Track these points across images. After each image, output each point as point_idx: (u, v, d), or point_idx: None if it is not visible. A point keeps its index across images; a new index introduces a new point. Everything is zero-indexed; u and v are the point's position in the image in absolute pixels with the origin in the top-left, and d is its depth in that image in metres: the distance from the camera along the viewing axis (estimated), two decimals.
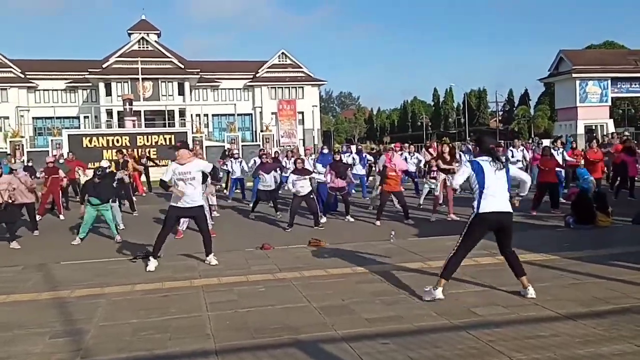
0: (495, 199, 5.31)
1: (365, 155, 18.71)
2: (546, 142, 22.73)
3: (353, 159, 16.73)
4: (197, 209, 7.47)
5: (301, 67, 59.73)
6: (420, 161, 17.41)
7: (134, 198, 15.53)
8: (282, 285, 6.13)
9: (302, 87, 59.09)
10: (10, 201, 10.34)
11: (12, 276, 7.02)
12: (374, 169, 17.70)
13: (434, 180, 12.44)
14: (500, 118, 77.04)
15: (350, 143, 37.71)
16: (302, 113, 58.09)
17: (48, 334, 4.69)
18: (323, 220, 11.76)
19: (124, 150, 19.55)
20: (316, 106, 59.80)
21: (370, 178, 19.03)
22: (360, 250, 7.93)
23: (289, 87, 58.58)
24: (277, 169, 13.36)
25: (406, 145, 19.44)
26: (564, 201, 12.22)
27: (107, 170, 11.46)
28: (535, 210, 12.01)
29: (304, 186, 11.25)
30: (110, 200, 10.77)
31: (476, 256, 6.72)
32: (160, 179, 7.60)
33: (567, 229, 9.62)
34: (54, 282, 6.63)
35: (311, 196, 11.39)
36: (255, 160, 15.35)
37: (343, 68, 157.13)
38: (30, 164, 17.87)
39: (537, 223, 10.89)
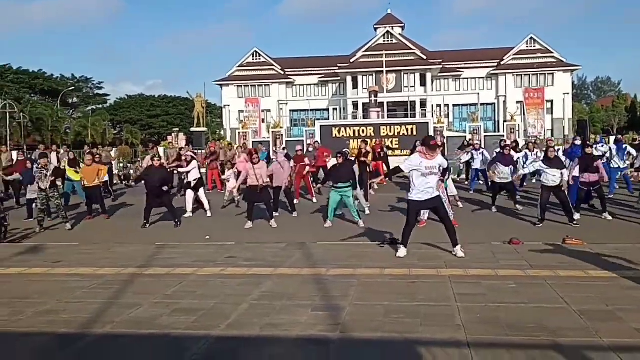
0: None
1: (626, 147, 16.60)
2: None
3: (610, 149, 15.07)
4: (435, 199, 7.50)
5: (552, 52, 55.55)
6: None
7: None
8: (535, 283, 5.77)
9: (552, 74, 54.95)
10: (264, 184, 11.56)
11: (277, 252, 7.87)
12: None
13: None
14: None
15: (607, 134, 34.11)
16: (552, 101, 54.07)
17: (310, 306, 5.14)
18: (576, 216, 10.80)
19: (368, 141, 20.37)
20: (568, 94, 55.07)
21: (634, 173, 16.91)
22: (625, 252, 7.07)
23: (537, 74, 55.00)
24: (515, 164, 12.88)
25: None
26: None
27: (348, 155, 12.11)
28: None
29: (555, 175, 10.51)
30: (352, 185, 11.32)
31: None
32: (398, 167, 7.62)
33: None
34: (313, 259, 7.24)
35: (562, 188, 10.56)
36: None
37: (601, 51, 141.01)
38: (286, 151, 19.79)
39: None
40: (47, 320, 4.88)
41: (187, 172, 13.45)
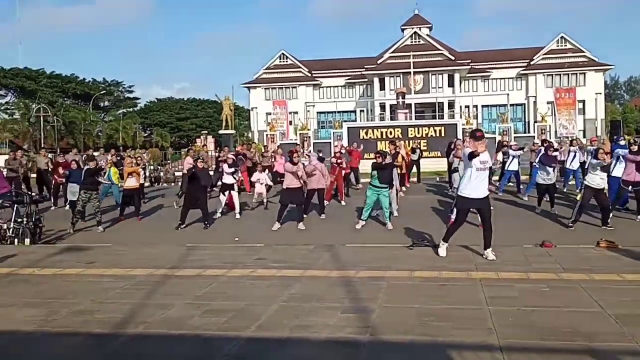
0: None
1: None
2: None
3: None
4: (484, 200, 7.39)
5: (583, 52, 54.55)
6: None
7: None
8: (569, 287, 5.67)
9: (584, 74, 53.96)
10: (298, 186, 11.62)
11: (306, 254, 7.89)
12: None
13: None
14: None
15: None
16: (583, 102, 53.10)
17: (339, 308, 5.13)
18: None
19: (397, 142, 20.31)
20: (600, 94, 53.99)
21: None
22: None
23: (568, 74, 54.07)
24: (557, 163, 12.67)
25: None
26: None
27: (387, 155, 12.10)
28: None
29: (603, 178, 10.37)
30: (389, 186, 11.32)
31: None
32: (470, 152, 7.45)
33: None
34: (341, 261, 7.24)
35: (604, 191, 10.40)
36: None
37: (634, 50, 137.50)
38: (321, 154, 19.79)
39: None
40: (82, 320, 4.97)
41: (232, 174, 13.54)
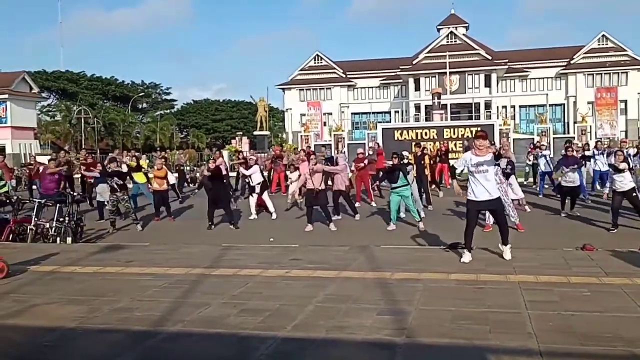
0: None
1: None
2: None
3: None
4: (495, 201, 7.29)
5: (625, 50, 53.11)
6: None
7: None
8: (611, 292, 5.51)
9: (626, 73, 52.54)
10: (321, 188, 11.59)
11: (341, 255, 7.88)
12: None
13: None
14: None
15: None
16: (625, 102, 51.65)
17: (375, 310, 5.11)
18: None
19: (422, 144, 20.05)
20: None
21: None
22: None
23: (609, 73, 52.70)
24: (578, 164, 12.44)
25: None
26: None
27: (401, 155, 12.04)
28: None
29: (623, 180, 10.07)
30: (407, 184, 11.24)
31: None
32: (452, 165, 7.71)
33: None
34: (376, 263, 7.21)
35: (634, 194, 10.10)
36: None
37: None
38: (344, 154, 19.78)
39: None
40: (122, 318, 5.08)
41: (250, 176, 13.68)
